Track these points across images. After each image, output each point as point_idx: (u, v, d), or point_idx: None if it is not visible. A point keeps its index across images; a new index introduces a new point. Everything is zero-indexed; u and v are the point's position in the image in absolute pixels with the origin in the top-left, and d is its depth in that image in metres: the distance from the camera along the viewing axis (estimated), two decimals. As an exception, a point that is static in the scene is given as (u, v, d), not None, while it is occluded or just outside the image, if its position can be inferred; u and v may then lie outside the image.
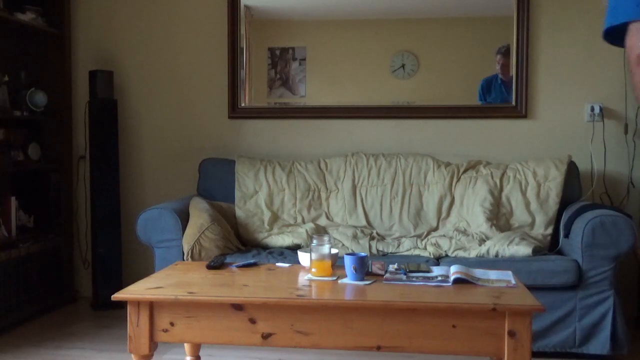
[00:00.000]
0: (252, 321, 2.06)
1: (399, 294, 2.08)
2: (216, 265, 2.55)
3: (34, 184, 3.91)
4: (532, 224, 3.32)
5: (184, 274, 2.43)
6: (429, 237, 3.34)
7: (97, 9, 4.11)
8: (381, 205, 3.54)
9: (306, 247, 3.08)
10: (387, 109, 3.86)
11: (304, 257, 2.53)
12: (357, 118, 3.90)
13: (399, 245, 3.26)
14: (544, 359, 2.92)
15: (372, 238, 3.32)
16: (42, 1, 3.85)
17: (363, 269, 2.27)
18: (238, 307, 2.06)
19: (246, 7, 3.94)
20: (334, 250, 2.46)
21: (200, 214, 3.20)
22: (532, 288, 2.73)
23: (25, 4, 3.73)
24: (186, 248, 3.06)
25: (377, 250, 3.22)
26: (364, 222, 3.50)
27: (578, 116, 3.73)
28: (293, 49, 3.93)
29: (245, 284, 2.25)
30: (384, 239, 3.39)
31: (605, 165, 3.68)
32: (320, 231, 3.38)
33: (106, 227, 3.84)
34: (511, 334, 1.95)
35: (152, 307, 2.10)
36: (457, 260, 2.98)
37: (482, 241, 3.19)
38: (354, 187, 3.59)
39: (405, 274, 2.34)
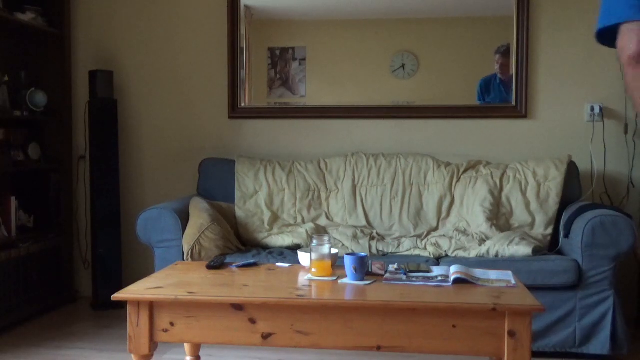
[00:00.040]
0: (252, 321, 2.06)
1: (399, 294, 2.08)
2: (216, 265, 2.55)
3: (34, 184, 3.91)
4: (532, 224, 3.32)
5: (184, 274, 2.43)
6: (429, 237, 3.34)
7: (97, 9, 4.12)
8: (381, 205, 3.54)
9: (306, 247, 3.08)
10: (387, 109, 3.86)
11: (304, 257, 2.53)
12: (357, 118, 3.90)
13: (399, 245, 3.26)
14: (544, 359, 2.92)
15: (372, 238, 3.32)
16: (42, 1, 3.85)
17: (363, 269, 2.27)
18: (238, 307, 2.06)
19: (246, 7, 3.94)
20: (334, 250, 2.46)
21: (200, 214, 3.20)
22: (532, 288, 2.73)
23: (25, 4, 3.73)
24: (186, 248, 3.06)
25: (377, 250, 3.22)
26: (364, 222, 3.50)
27: (578, 116, 3.73)
28: (293, 49, 3.93)
29: (245, 284, 2.25)
30: (384, 239, 3.39)
31: (605, 165, 3.68)
32: (320, 231, 3.38)
33: (106, 227, 3.84)
34: (511, 334, 1.95)
35: (152, 307, 2.10)
36: (457, 260, 2.98)
37: (482, 241, 3.19)
38: (354, 187, 3.59)
39: (405, 274, 2.34)
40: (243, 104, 3.99)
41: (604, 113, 3.66)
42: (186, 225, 3.16)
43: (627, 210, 3.52)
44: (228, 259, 2.91)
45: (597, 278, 2.88)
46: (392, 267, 2.40)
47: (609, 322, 2.86)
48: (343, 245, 3.25)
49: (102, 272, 3.84)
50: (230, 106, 3.98)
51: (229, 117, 4.00)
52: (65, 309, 3.87)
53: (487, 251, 3.07)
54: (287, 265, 2.61)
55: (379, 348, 2.01)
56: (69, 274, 4.03)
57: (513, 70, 3.73)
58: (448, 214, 3.47)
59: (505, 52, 3.74)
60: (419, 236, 3.37)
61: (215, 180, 3.68)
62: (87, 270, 4.14)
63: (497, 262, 2.95)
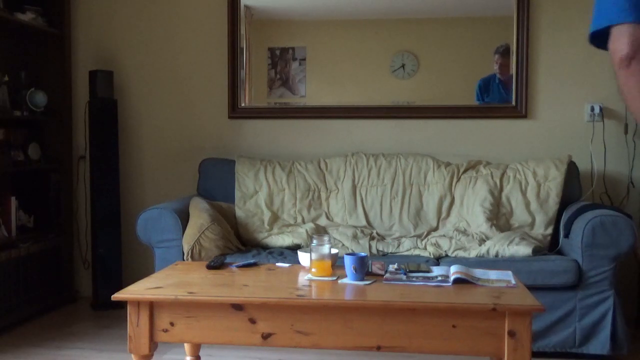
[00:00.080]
0: (252, 321, 2.06)
1: (399, 294, 2.08)
2: (216, 265, 2.55)
3: (34, 184, 3.91)
4: (532, 224, 3.32)
5: (184, 274, 2.43)
6: (429, 237, 3.34)
7: (97, 9, 4.12)
8: (381, 205, 3.54)
9: (306, 247, 3.08)
10: (387, 109, 3.86)
11: (304, 257, 2.53)
12: (357, 118, 3.90)
13: (399, 245, 3.26)
14: (544, 359, 2.92)
15: (372, 238, 3.32)
16: (42, 1, 3.85)
17: (363, 269, 2.27)
18: (238, 307, 2.06)
19: (246, 7, 3.94)
20: (334, 250, 2.46)
21: (200, 214, 3.20)
22: (532, 288, 2.73)
23: (25, 4, 3.73)
24: (186, 248, 3.06)
25: (377, 250, 3.22)
26: (364, 222, 3.50)
27: (578, 116, 3.73)
28: (293, 49, 3.93)
29: (245, 284, 2.25)
30: (384, 239, 3.39)
31: (605, 165, 3.68)
32: (320, 231, 3.38)
33: (106, 227, 3.84)
34: (511, 334, 1.95)
35: (152, 307, 2.10)
36: (457, 260, 2.98)
37: (482, 241, 3.19)
38: (354, 187, 3.59)
39: (405, 274, 2.34)
40: (243, 104, 3.99)
41: (604, 113, 3.66)
42: (186, 225, 3.16)
43: (627, 210, 3.52)
44: (228, 259, 2.91)
45: (597, 278, 2.88)
46: (392, 267, 2.40)
47: (609, 322, 2.86)
48: (343, 245, 3.25)
49: (102, 272, 3.84)
50: (230, 106, 3.98)
51: (229, 117, 4.00)
52: (65, 309, 3.87)
53: (487, 251, 3.07)
54: (287, 265, 2.61)
55: (379, 348, 2.01)
56: (69, 274, 4.03)
57: (513, 70, 3.73)
58: (448, 214, 3.47)
59: (504, 52, 3.74)
60: (419, 236, 3.37)
61: (215, 180, 3.68)
62: (87, 270, 4.14)
63: (497, 262, 2.95)
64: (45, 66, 3.95)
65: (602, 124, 3.67)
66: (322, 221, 3.52)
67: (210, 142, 4.03)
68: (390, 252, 3.22)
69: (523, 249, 3.00)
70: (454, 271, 2.29)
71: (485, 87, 3.77)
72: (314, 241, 2.32)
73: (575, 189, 3.44)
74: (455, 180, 3.51)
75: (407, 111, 3.84)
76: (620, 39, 1.38)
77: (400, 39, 3.83)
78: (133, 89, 4.10)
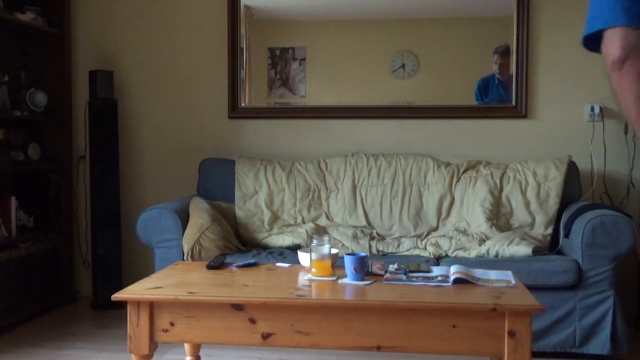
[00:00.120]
0: (252, 321, 2.06)
1: (399, 294, 2.08)
2: (216, 265, 2.55)
3: (34, 184, 3.91)
4: (532, 224, 3.32)
5: (184, 274, 2.43)
6: (429, 237, 3.34)
7: (97, 9, 4.12)
8: (381, 205, 3.54)
9: (306, 247, 3.08)
10: (387, 109, 3.86)
11: (304, 257, 2.53)
12: (357, 118, 3.90)
13: (399, 245, 3.26)
14: (544, 359, 2.92)
15: (372, 238, 3.32)
16: (42, 1, 3.85)
17: (363, 269, 2.27)
18: (238, 307, 2.06)
19: (246, 7, 3.94)
20: (334, 250, 2.46)
21: (200, 214, 3.20)
22: (532, 288, 2.73)
23: (25, 4, 3.73)
24: (186, 248, 3.06)
25: (377, 250, 3.22)
26: (364, 222, 3.50)
27: (578, 116, 3.73)
28: (293, 49, 3.93)
29: (245, 284, 2.25)
30: (384, 239, 3.39)
31: (605, 165, 3.68)
32: (320, 231, 3.38)
33: (106, 227, 3.84)
34: (511, 334, 1.95)
35: (152, 307, 2.10)
36: (457, 260, 2.98)
37: (482, 241, 3.19)
38: (354, 187, 3.59)
39: (405, 274, 2.34)
40: (243, 104, 3.99)
41: (604, 113, 3.66)
42: (186, 225, 3.16)
43: (627, 210, 3.52)
44: (228, 259, 2.91)
45: (597, 278, 2.88)
46: (392, 267, 2.40)
47: (609, 322, 2.86)
48: (343, 245, 3.25)
49: (102, 272, 3.84)
50: (230, 106, 3.99)
51: (229, 117, 4.00)
52: (65, 309, 3.87)
53: (487, 251, 3.07)
54: (287, 265, 2.61)
55: (379, 348, 2.01)
56: (69, 274, 4.03)
57: (513, 70, 3.73)
58: (448, 214, 3.47)
59: (503, 52, 3.74)
60: (419, 236, 3.37)
61: (215, 180, 3.68)
62: (87, 270, 4.14)
63: (497, 262, 2.95)
64: (45, 66, 3.95)
65: (602, 124, 3.67)
66: (322, 221, 3.52)
67: (210, 142, 4.03)
68: (390, 252, 3.22)
69: (523, 249, 3.00)
70: (454, 271, 2.29)
71: (485, 87, 3.77)
72: (314, 241, 2.32)
73: (575, 189, 3.44)
74: (455, 180, 3.51)
75: (407, 111, 3.84)
76: (612, 42, 1.41)
77: (400, 39, 3.83)
78: (133, 89, 4.10)
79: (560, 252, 3.13)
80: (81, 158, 4.13)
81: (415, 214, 3.50)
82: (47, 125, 3.97)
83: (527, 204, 3.36)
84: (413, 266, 2.45)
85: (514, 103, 3.75)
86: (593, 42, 1.51)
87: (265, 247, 3.35)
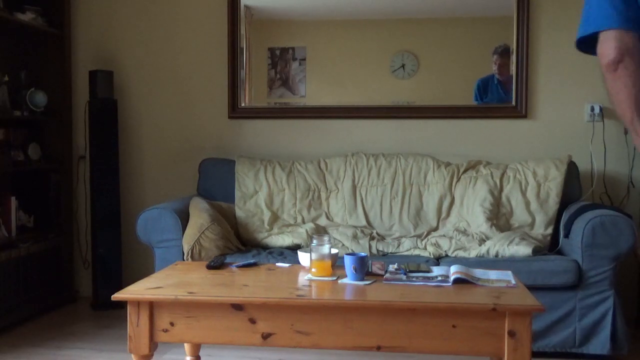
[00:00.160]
0: (252, 321, 2.06)
1: (399, 294, 2.08)
2: (216, 265, 2.55)
3: (34, 184, 3.91)
4: (532, 224, 3.32)
5: (184, 274, 2.43)
6: (429, 237, 3.34)
7: (97, 9, 4.12)
8: (381, 205, 3.54)
9: (306, 247, 3.08)
10: (387, 109, 3.86)
11: (304, 257, 2.53)
12: (357, 118, 3.90)
13: (399, 245, 3.26)
14: (544, 359, 2.92)
15: (372, 238, 3.32)
16: (42, 1, 3.85)
17: (363, 269, 2.27)
18: (238, 307, 2.06)
19: (246, 7, 3.94)
20: (334, 250, 2.46)
21: (200, 214, 3.20)
22: (532, 288, 2.73)
23: (25, 4, 3.73)
24: (186, 248, 3.06)
25: (377, 250, 3.22)
26: (364, 222, 3.50)
27: (578, 116, 3.73)
28: (293, 49, 3.93)
29: (245, 284, 2.25)
30: (384, 239, 3.39)
31: (605, 165, 3.68)
32: (320, 231, 3.38)
33: (106, 227, 3.84)
34: (511, 334, 1.95)
35: (152, 307, 2.10)
36: (457, 260, 2.98)
37: (482, 241, 3.19)
38: (354, 187, 3.59)
39: (405, 274, 2.34)
40: (243, 104, 3.99)
41: (604, 113, 3.66)
42: (186, 225, 3.16)
43: (627, 210, 3.52)
44: (228, 259, 2.91)
45: (597, 278, 2.87)
46: (392, 267, 2.40)
47: (609, 322, 2.86)
48: (343, 245, 3.25)
49: (102, 272, 3.84)
50: (230, 106, 3.98)
51: (229, 117, 4.00)
52: (65, 309, 3.87)
53: (487, 251, 3.07)
54: (287, 265, 2.61)
55: (379, 348, 2.01)
56: (69, 274, 4.03)
57: (513, 70, 3.73)
58: (448, 214, 3.47)
59: (502, 53, 3.74)
60: (419, 236, 3.37)
61: (215, 180, 3.68)
62: (87, 270, 4.14)
63: (497, 262, 2.95)
64: (45, 66, 3.95)
65: (602, 124, 3.67)
66: (322, 221, 3.52)
67: (210, 142, 4.03)
68: (390, 252, 3.22)
69: (523, 249, 3.00)
70: (454, 271, 2.29)
71: (484, 87, 3.77)
72: (314, 241, 2.32)
73: (575, 189, 3.44)
74: (455, 180, 3.51)
75: (407, 111, 3.84)
76: (607, 44, 1.46)
77: (400, 39, 3.83)
78: (133, 89, 4.11)
79: (560, 252, 3.13)
80: (81, 158, 4.13)
81: (415, 214, 3.50)
82: (47, 125, 3.97)
83: (527, 204, 3.36)
84: (413, 266, 2.45)
85: (514, 103, 3.75)
86: (587, 44, 1.55)
87: (265, 247, 3.35)
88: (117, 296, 2.10)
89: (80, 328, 3.49)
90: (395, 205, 3.52)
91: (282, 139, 3.97)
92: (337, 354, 3.03)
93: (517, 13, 3.70)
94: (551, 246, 3.24)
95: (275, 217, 3.53)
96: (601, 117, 3.66)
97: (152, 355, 2.13)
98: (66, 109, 4.00)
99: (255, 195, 3.58)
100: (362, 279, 2.25)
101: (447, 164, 3.58)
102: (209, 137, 4.04)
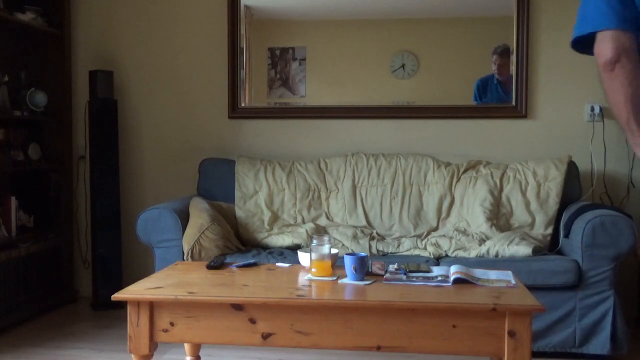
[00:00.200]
0: (252, 321, 2.06)
1: (399, 294, 2.08)
2: (216, 265, 2.55)
3: (34, 184, 3.91)
4: (532, 224, 3.32)
5: (184, 274, 2.43)
6: (429, 237, 3.34)
7: (97, 9, 4.12)
8: (381, 205, 3.54)
9: (306, 247, 3.08)
10: (387, 109, 3.86)
11: (304, 257, 2.53)
12: (357, 118, 3.90)
13: (399, 245, 3.26)
14: (544, 359, 2.92)
15: (372, 238, 3.32)
16: (42, 1, 3.85)
17: (363, 269, 2.27)
18: (238, 307, 2.06)
19: (246, 7, 3.94)
20: (334, 250, 2.46)
21: (200, 214, 3.20)
22: (532, 288, 2.73)
23: (25, 4, 3.73)
24: (186, 248, 3.06)
25: (377, 250, 3.22)
26: (364, 222, 3.50)
27: (578, 116, 3.73)
28: (293, 49, 3.93)
29: (245, 284, 2.25)
30: (384, 239, 3.39)
31: (605, 165, 3.68)
32: (320, 231, 3.38)
33: (106, 227, 3.84)
34: (511, 334, 1.95)
35: (152, 307, 2.10)
36: (457, 260, 2.98)
37: (482, 241, 3.19)
38: (354, 187, 3.59)
39: (405, 274, 2.34)
40: (243, 104, 3.99)
41: (604, 113, 3.66)
42: (186, 225, 3.16)
43: (627, 210, 3.52)
44: (228, 259, 2.91)
45: (597, 278, 2.87)
46: (392, 267, 2.40)
47: (609, 322, 2.86)
48: (343, 245, 3.25)
49: (102, 272, 3.84)
50: (230, 106, 3.98)
51: (229, 117, 4.00)
52: (65, 309, 3.87)
53: (487, 251, 3.07)
54: (287, 265, 2.61)
55: (379, 348, 2.01)
56: (69, 274, 4.03)
57: (513, 70, 3.73)
58: (448, 214, 3.47)
59: (502, 53, 3.74)
60: (419, 236, 3.37)
61: (215, 180, 3.68)
62: (87, 270, 4.14)
63: (497, 262, 2.95)
64: (45, 66, 3.95)
65: (602, 124, 3.67)
66: (322, 221, 3.52)
67: (210, 142, 4.03)
68: (390, 252, 3.22)
69: (523, 249, 3.00)
70: (454, 271, 2.29)
71: (484, 87, 3.77)
72: (314, 241, 2.32)
73: (575, 189, 3.44)
74: (455, 180, 3.51)
75: (407, 111, 3.84)
76: (604, 44, 1.46)
77: (400, 39, 3.83)
78: (133, 89, 4.11)
79: (560, 252, 3.13)
80: (81, 158, 4.13)
81: (415, 214, 3.50)
82: (47, 125, 3.97)
83: (527, 204, 3.36)
84: (413, 266, 2.45)
85: (514, 103, 3.75)
86: (583, 44, 1.56)
87: (265, 247, 3.35)
88: (117, 296, 2.10)
89: (80, 328, 3.49)
90: (395, 205, 3.52)
91: (282, 139, 3.97)
92: (337, 354, 3.03)
93: (517, 13, 3.70)
94: (551, 246, 3.24)
95: (275, 217, 3.53)
96: (601, 117, 3.66)
97: (152, 355, 2.13)
98: (66, 109, 4.00)
99: (255, 195, 3.58)
100: (362, 279, 2.25)
101: (447, 164, 3.58)
102: (209, 137, 4.03)
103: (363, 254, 2.32)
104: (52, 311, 3.79)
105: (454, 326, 1.98)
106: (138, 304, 2.10)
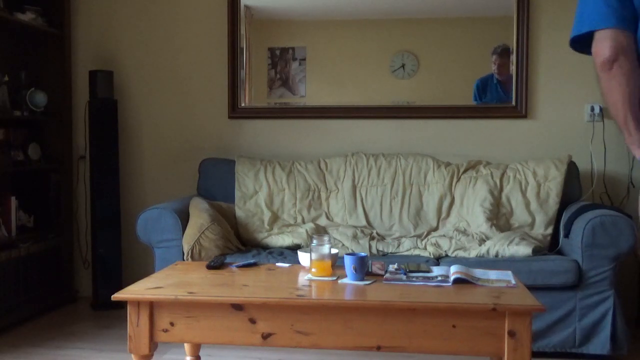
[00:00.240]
0: (252, 321, 2.06)
1: (399, 294, 2.08)
2: (216, 265, 2.55)
3: (34, 184, 3.91)
4: (532, 224, 3.32)
5: (184, 274, 2.43)
6: (429, 237, 3.34)
7: (97, 9, 4.12)
8: (381, 205, 3.54)
9: (306, 247, 3.08)
10: (387, 109, 3.86)
11: (304, 257, 2.53)
12: (357, 118, 3.90)
13: (399, 245, 3.26)
14: (544, 359, 2.92)
15: (372, 238, 3.32)
16: (42, 1, 3.85)
17: (363, 269, 2.27)
18: (238, 307, 2.06)
19: (246, 7, 3.94)
20: (334, 250, 2.46)
21: (200, 214, 3.20)
22: (532, 288, 2.73)
23: (25, 4, 3.73)
24: (186, 248, 3.06)
25: (377, 250, 3.22)
26: (364, 222, 3.50)
27: (578, 116, 3.73)
28: (293, 49, 3.93)
29: (245, 284, 2.25)
30: (384, 239, 3.39)
31: (605, 165, 3.68)
32: (320, 231, 3.38)
33: (106, 227, 3.84)
34: (511, 334, 1.96)
35: (152, 307, 2.10)
36: (457, 260, 2.98)
37: (482, 241, 3.19)
38: (354, 187, 3.59)
39: (405, 274, 2.34)
40: (243, 104, 3.99)
41: (604, 113, 3.66)
42: (186, 225, 3.16)
43: (627, 210, 3.52)
44: (228, 259, 2.91)
45: (597, 278, 2.88)
46: (392, 267, 2.40)
47: (609, 322, 2.86)
48: (343, 245, 3.25)
49: (102, 272, 3.84)
50: (230, 106, 3.99)
51: (229, 117, 4.00)
52: (65, 309, 3.87)
53: (487, 251, 3.07)
54: (287, 265, 2.61)
55: (379, 348, 2.01)
56: (69, 274, 4.03)
57: (513, 70, 3.73)
58: (448, 214, 3.47)
59: (502, 53, 3.74)
60: (419, 236, 3.37)
61: (215, 180, 3.68)
62: (87, 270, 4.14)
63: (497, 262, 2.95)
64: (45, 66, 3.95)
65: (602, 124, 3.67)
66: (322, 221, 3.52)
67: (210, 142, 4.03)
68: (390, 252, 3.22)
69: (523, 249, 3.00)
70: (454, 271, 2.29)
71: (483, 87, 3.78)
72: (314, 241, 2.32)
73: (575, 189, 3.44)
74: (455, 180, 3.51)
75: (407, 111, 3.84)
76: (603, 43, 1.47)
77: (400, 39, 3.83)
78: (133, 89, 4.11)
79: (560, 252, 3.13)
80: (81, 158, 4.13)
81: (415, 214, 3.50)
82: (47, 125, 3.97)
83: (527, 204, 3.36)
84: (413, 266, 2.45)
85: (513, 103, 3.75)
86: (581, 43, 1.56)
87: (265, 247, 3.35)
88: (117, 296, 2.10)
89: (80, 328, 3.49)
90: (395, 205, 3.52)
91: (282, 139, 3.97)
92: (337, 354, 3.03)
93: (517, 13, 3.70)
94: (551, 246, 3.24)
95: (275, 217, 3.53)
96: (601, 117, 3.66)
97: (152, 355, 2.13)
98: (66, 109, 4.00)
99: (255, 195, 3.58)
100: (362, 279, 2.25)
101: (447, 164, 3.58)
102: (209, 137, 4.04)
103: (363, 254, 2.32)
104: (52, 311, 3.79)
105: (454, 326, 1.98)
106: (138, 304, 2.10)
